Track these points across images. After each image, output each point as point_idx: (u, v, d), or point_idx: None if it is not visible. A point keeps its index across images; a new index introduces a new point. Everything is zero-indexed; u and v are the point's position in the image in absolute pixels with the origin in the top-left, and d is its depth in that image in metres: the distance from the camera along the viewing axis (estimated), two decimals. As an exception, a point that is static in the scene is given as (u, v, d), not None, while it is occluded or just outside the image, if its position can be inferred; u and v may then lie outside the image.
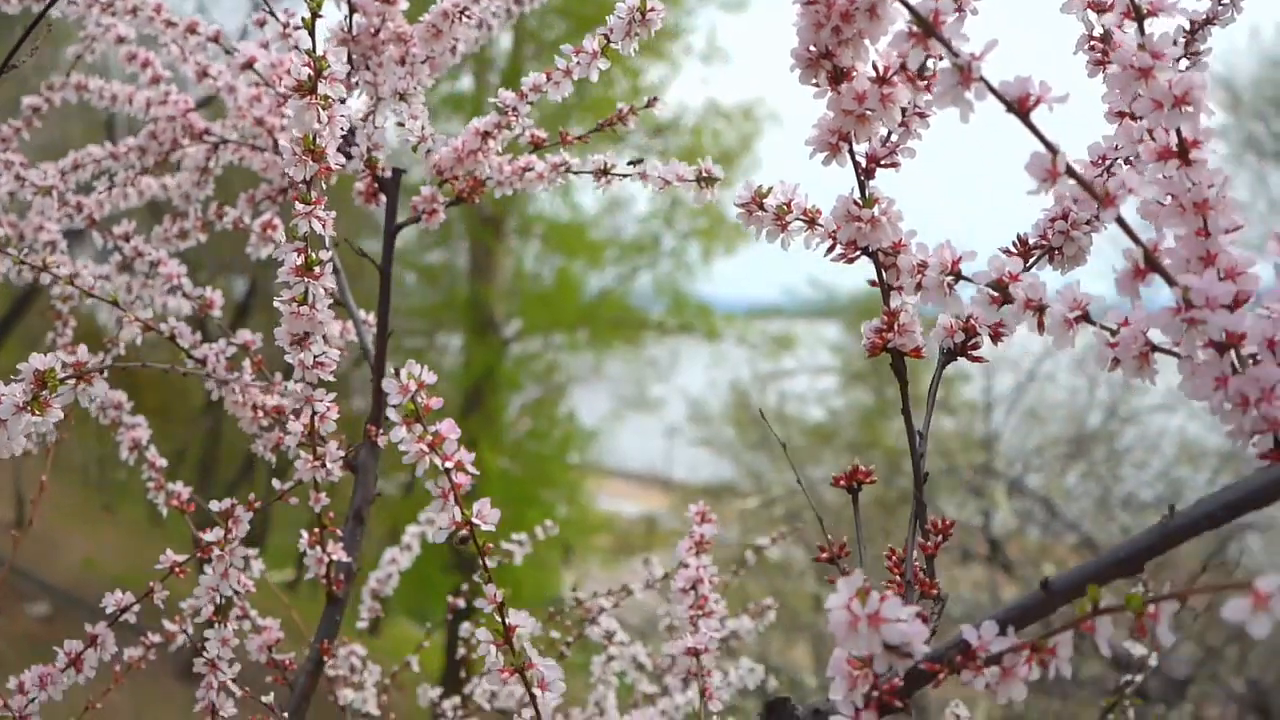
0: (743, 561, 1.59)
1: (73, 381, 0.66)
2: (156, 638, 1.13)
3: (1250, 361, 0.52)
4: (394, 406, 0.61)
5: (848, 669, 0.53)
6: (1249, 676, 5.92)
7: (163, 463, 1.08)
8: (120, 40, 1.18)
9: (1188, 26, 0.74)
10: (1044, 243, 0.68)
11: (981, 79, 0.50)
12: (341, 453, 0.90)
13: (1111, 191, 0.50)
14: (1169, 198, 0.54)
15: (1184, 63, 0.73)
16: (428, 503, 0.67)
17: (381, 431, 0.96)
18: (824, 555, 0.60)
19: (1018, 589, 6.09)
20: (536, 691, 0.64)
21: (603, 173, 0.95)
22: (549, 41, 10.85)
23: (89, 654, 0.90)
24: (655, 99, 0.98)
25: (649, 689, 1.41)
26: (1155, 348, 0.54)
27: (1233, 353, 0.52)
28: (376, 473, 1.01)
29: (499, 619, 0.64)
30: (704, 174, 0.83)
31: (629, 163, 0.95)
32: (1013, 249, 0.68)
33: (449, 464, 0.62)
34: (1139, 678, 1.07)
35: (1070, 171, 0.50)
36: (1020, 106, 0.50)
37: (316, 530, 0.95)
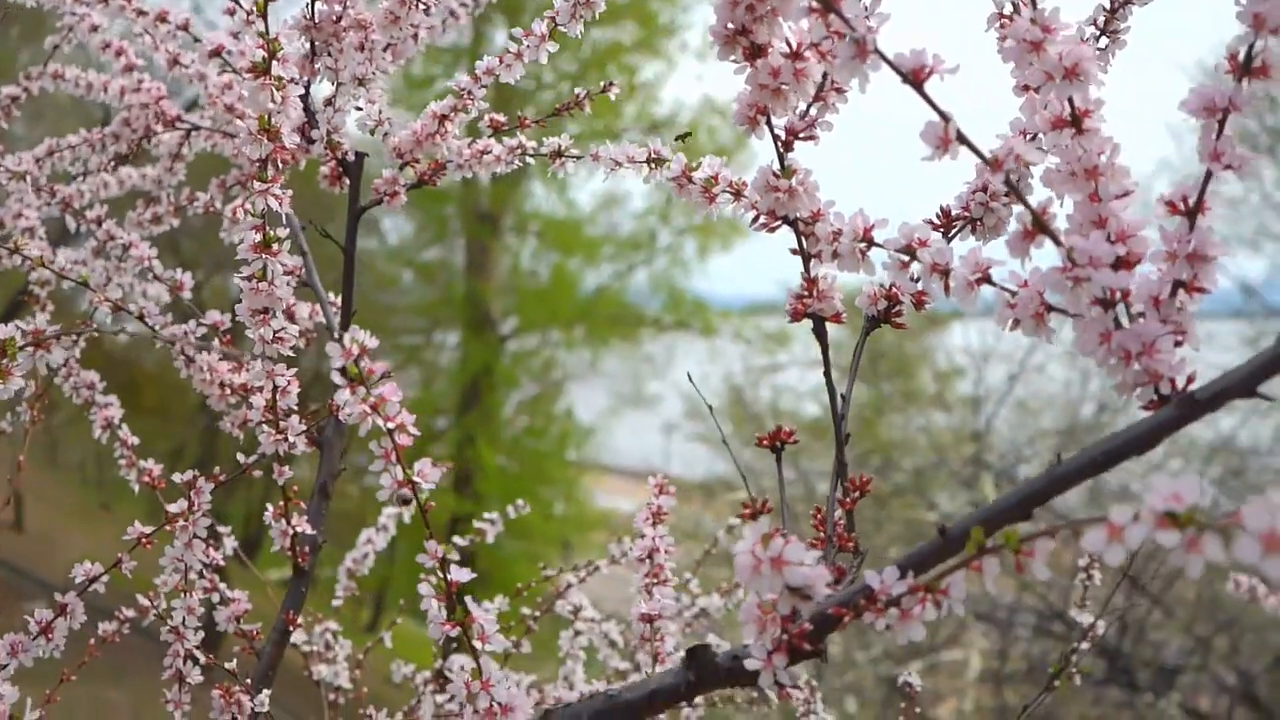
0: (715, 542, 1.62)
1: (31, 349, 0.69)
2: (130, 612, 1.16)
3: (1139, 318, 0.55)
4: (338, 370, 0.64)
5: (757, 613, 0.56)
6: (1239, 666, 5.95)
7: (134, 440, 1.11)
8: (94, 29, 1.21)
9: (1108, 5, 0.77)
10: (965, 214, 0.71)
11: (877, 51, 0.52)
12: (303, 426, 0.93)
13: (1000, 157, 0.53)
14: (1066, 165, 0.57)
15: (1104, 40, 0.76)
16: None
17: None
18: (748, 512, 0.63)
19: (1011, 580, 6.12)
20: (477, 644, 0.66)
21: (556, 155, 0.98)
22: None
23: (59, 623, 0.93)
24: (611, 84, 1.01)
25: (621, 665, 1.44)
26: (1051, 307, 0.57)
27: (1122, 309, 0.55)
28: (342, 448, 1.04)
29: (441, 575, 0.67)
30: (653, 156, 0.86)
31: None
32: (935, 220, 0.71)
33: (391, 425, 0.65)
34: (1084, 645, 1.10)
35: (961, 138, 0.53)
36: (915, 77, 0.53)
37: (281, 504, 0.98)
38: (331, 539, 1.52)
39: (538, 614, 1.34)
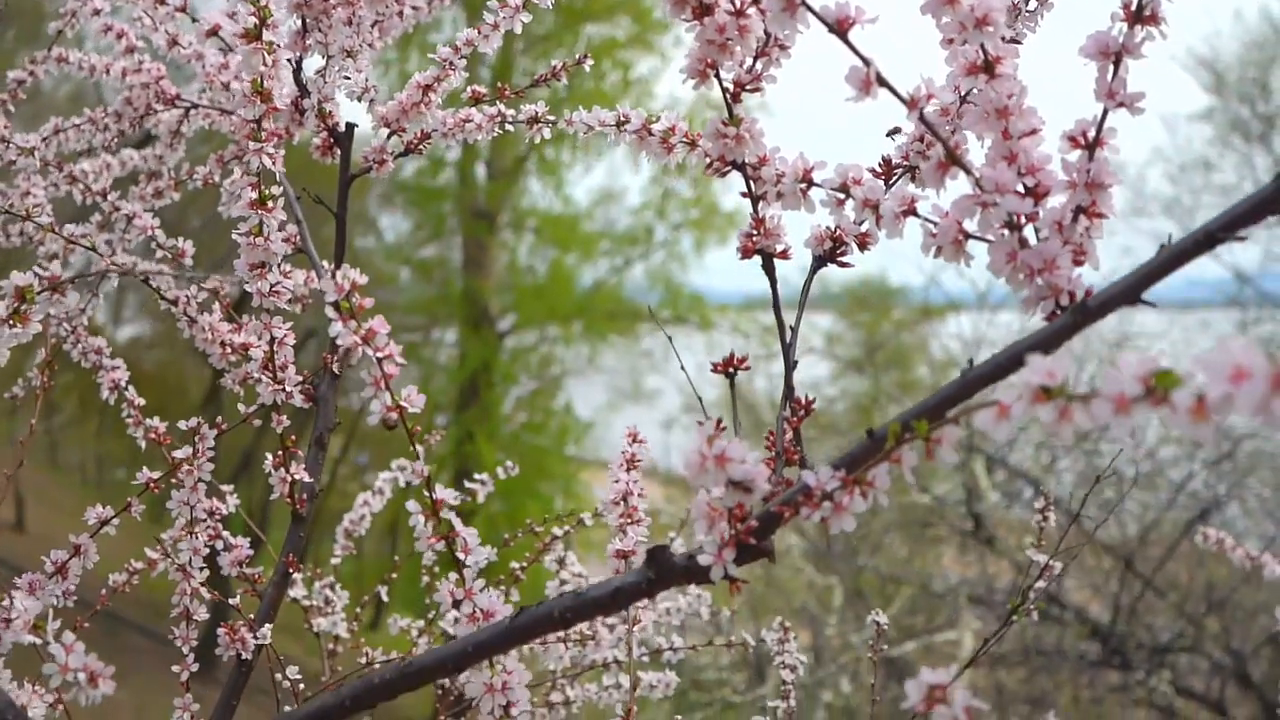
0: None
1: (48, 293, 0.75)
2: (138, 564, 1.23)
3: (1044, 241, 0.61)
4: (330, 304, 0.70)
5: (707, 509, 0.62)
6: (1231, 646, 6.02)
7: (141, 401, 1.17)
8: (96, 13, 1.27)
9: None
10: (904, 162, 0.77)
11: (804, 4, 0.59)
12: (299, 377, 0.99)
13: (916, 97, 0.59)
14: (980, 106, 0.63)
15: (1033, 3, 0.82)
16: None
17: (337, 359, 1.05)
18: (699, 424, 0.69)
19: (1005, 563, 6.20)
20: (460, 555, 0.73)
21: (534, 120, 1.05)
22: (538, 36, 10.93)
23: (73, 563, 0.99)
24: (586, 56, 1.07)
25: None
26: (968, 235, 0.63)
27: (1031, 231, 0.61)
28: (335, 402, 1.10)
29: (426, 493, 0.73)
30: (621, 118, 0.92)
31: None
32: (877, 169, 0.78)
33: (380, 354, 0.71)
34: (1041, 584, 1.16)
35: (881, 81, 0.59)
36: (840, 27, 0.59)
37: (280, 452, 1.04)
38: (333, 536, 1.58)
39: (525, 565, 1.41)
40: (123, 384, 1.19)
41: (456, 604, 0.72)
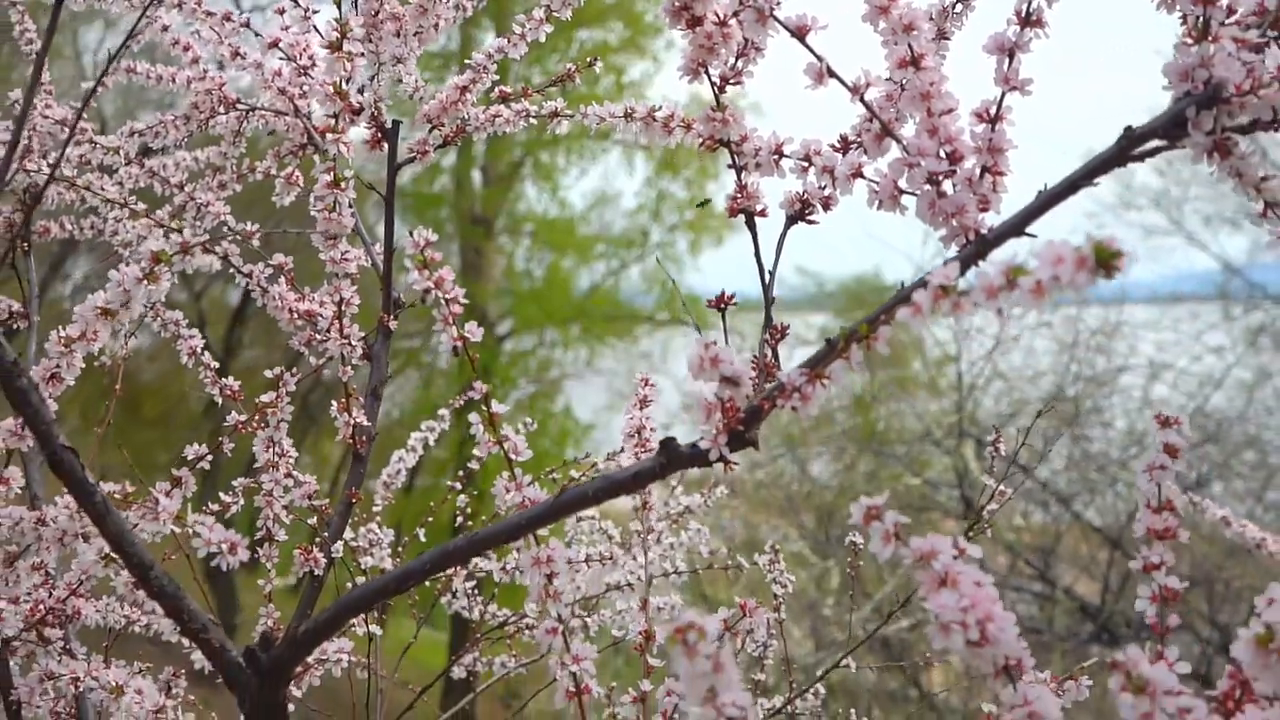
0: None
1: (180, 255, 0.94)
2: (214, 506, 1.41)
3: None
4: (409, 257, 0.89)
5: (706, 401, 0.81)
6: (1216, 621, 6.22)
7: (215, 365, 1.36)
8: (165, 29, 1.46)
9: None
10: (858, 138, 0.96)
11: (772, 15, 0.78)
12: (363, 334, 1.18)
13: (858, 85, 0.79)
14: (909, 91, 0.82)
15: (959, 6, 1.01)
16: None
17: (393, 318, 1.24)
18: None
19: (995, 544, 6.40)
20: (512, 456, 0.92)
21: (554, 115, 1.24)
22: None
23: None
24: (595, 59, 1.27)
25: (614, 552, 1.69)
26: (901, 190, 0.82)
27: (949, 185, 0.81)
28: (387, 358, 1.29)
29: (485, 408, 0.92)
30: (629, 111, 1.11)
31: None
32: (836, 143, 0.97)
33: (448, 296, 0.90)
34: (994, 507, 1.35)
35: (830, 73, 0.78)
36: (800, 33, 0.78)
37: (344, 399, 1.23)
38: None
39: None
40: (199, 350, 1.38)
41: (508, 493, 0.91)
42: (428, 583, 1.71)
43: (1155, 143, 0.74)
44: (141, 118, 1.48)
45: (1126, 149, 0.73)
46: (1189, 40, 0.72)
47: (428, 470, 10.56)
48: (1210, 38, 0.71)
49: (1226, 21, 0.74)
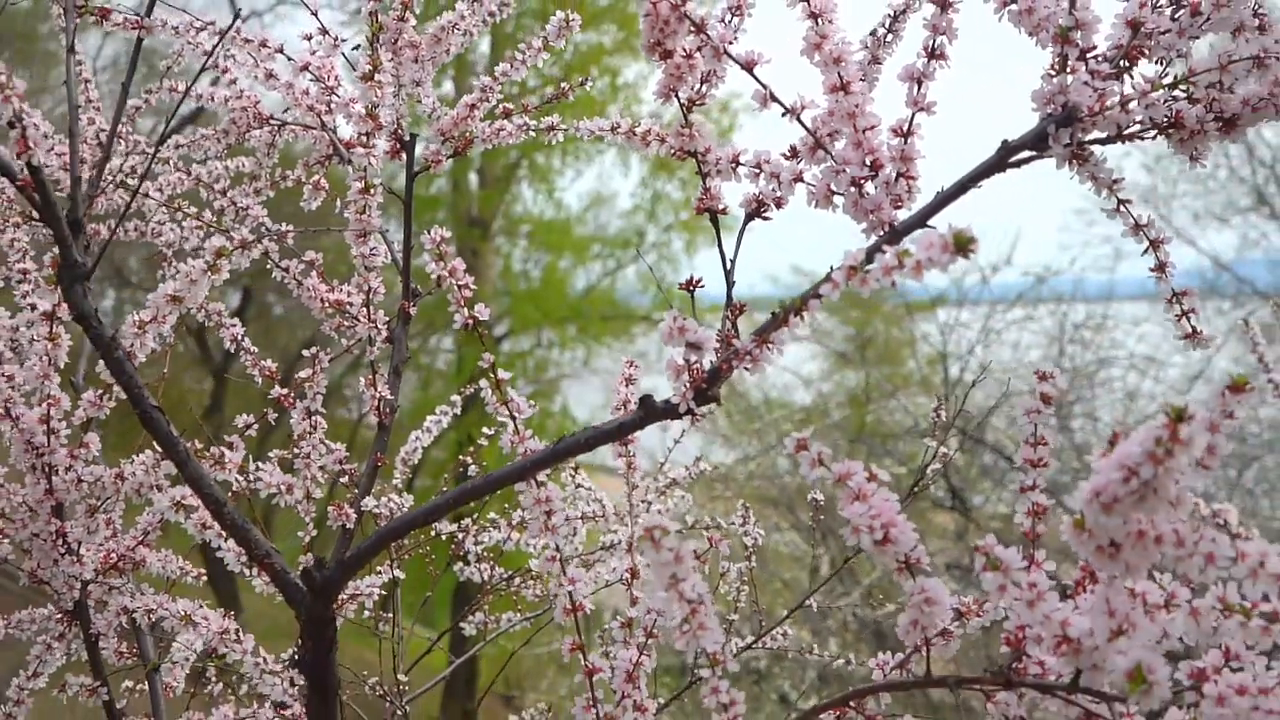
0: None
1: (239, 250, 1.13)
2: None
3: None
4: (426, 250, 1.08)
5: (675, 364, 1.00)
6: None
7: (254, 350, 1.55)
8: (207, 54, 1.65)
9: (892, 13, 1.21)
10: (800, 148, 1.15)
11: (726, 52, 0.97)
12: (388, 318, 1.37)
13: (795, 106, 0.98)
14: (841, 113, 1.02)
15: (889, 36, 1.20)
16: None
17: (412, 305, 1.43)
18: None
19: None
20: (516, 413, 1.11)
21: (552, 129, 1.43)
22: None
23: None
24: (586, 78, 1.46)
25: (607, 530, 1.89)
26: (833, 191, 1.01)
27: (871, 187, 1.00)
28: (406, 340, 1.48)
29: (493, 375, 1.11)
30: (614, 126, 1.30)
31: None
32: (786, 153, 1.16)
33: (460, 283, 1.09)
34: (937, 466, 1.54)
35: (772, 97, 0.97)
36: (748, 65, 0.97)
37: (370, 375, 1.42)
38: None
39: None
40: (240, 337, 1.57)
41: (513, 441, 1.10)
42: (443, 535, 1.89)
43: (1027, 153, 0.93)
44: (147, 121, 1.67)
45: (1005, 157, 0.93)
46: (1052, 71, 0.92)
47: (427, 471, 10.74)
48: (1068, 70, 0.91)
49: (1089, 54, 0.93)
